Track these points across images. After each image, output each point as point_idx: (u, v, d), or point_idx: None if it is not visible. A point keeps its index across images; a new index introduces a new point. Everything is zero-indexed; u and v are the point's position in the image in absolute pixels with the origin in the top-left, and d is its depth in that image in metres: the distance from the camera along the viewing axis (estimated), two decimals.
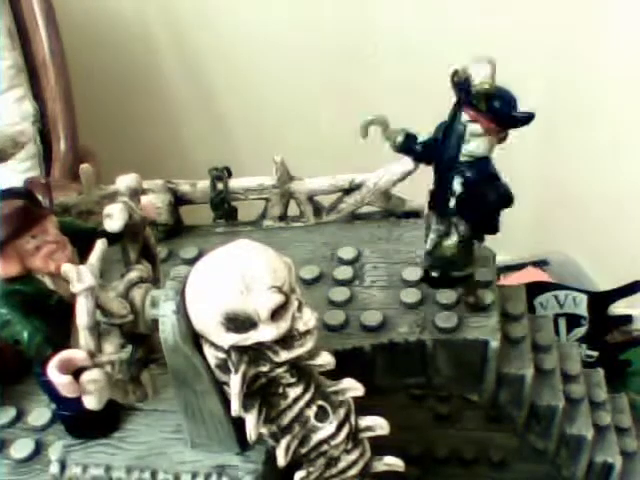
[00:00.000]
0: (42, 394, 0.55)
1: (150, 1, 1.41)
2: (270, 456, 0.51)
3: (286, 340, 0.46)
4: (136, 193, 0.57)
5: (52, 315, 0.49)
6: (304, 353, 0.47)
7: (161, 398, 0.54)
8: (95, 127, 1.33)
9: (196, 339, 0.47)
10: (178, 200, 0.75)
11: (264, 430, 0.49)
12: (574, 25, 1.25)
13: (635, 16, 1.20)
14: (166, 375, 0.50)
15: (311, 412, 0.50)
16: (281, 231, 0.75)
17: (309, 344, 0.47)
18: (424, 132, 0.61)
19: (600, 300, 0.94)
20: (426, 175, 0.69)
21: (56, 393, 0.48)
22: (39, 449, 0.59)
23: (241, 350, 0.46)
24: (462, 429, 0.77)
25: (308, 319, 0.47)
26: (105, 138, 1.38)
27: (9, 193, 0.50)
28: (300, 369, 0.49)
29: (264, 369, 0.47)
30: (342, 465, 0.51)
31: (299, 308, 0.47)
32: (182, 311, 0.46)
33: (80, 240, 0.52)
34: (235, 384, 0.46)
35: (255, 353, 0.46)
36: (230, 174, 0.74)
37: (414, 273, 0.66)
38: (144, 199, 0.59)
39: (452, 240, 0.62)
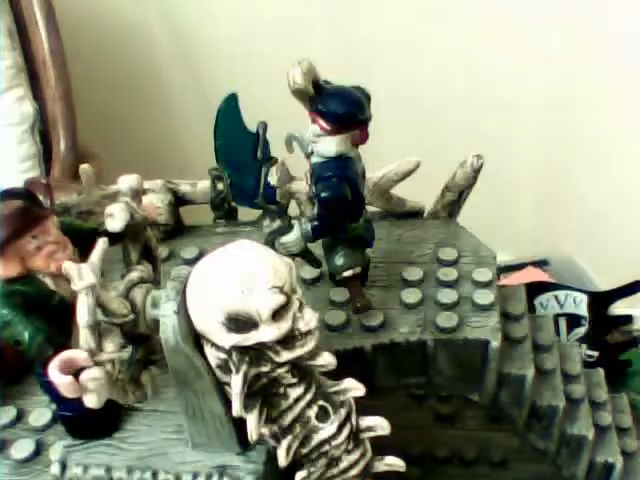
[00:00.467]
0: (43, 394, 0.55)
1: (150, 1, 1.41)
2: (271, 456, 0.51)
3: (287, 340, 0.46)
4: (137, 193, 0.57)
5: (53, 315, 0.49)
6: (305, 353, 0.47)
7: (162, 398, 0.54)
8: (95, 127, 1.33)
9: (197, 339, 0.47)
10: (178, 200, 0.75)
11: (265, 430, 0.49)
12: (574, 25, 1.25)
13: (635, 16, 1.20)
14: (166, 375, 0.50)
15: (312, 412, 0.50)
16: None
17: (310, 344, 0.47)
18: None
19: (600, 300, 0.94)
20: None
21: (57, 393, 0.48)
22: (40, 449, 0.59)
23: (242, 350, 0.46)
24: (463, 429, 0.77)
25: (309, 319, 0.47)
26: (105, 138, 1.38)
27: (9, 193, 0.50)
28: (301, 369, 0.49)
29: (265, 369, 0.47)
30: (343, 465, 0.51)
31: (300, 308, 0.47)
32: (183, 311, 0.46)
33: (81, 240, 0.52)
34: (236, 384, 0.46)
35: (256, 353, 0.46)
36: None
37: (414, 273, 0.66)
38: (145, 199, 0.59)
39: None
